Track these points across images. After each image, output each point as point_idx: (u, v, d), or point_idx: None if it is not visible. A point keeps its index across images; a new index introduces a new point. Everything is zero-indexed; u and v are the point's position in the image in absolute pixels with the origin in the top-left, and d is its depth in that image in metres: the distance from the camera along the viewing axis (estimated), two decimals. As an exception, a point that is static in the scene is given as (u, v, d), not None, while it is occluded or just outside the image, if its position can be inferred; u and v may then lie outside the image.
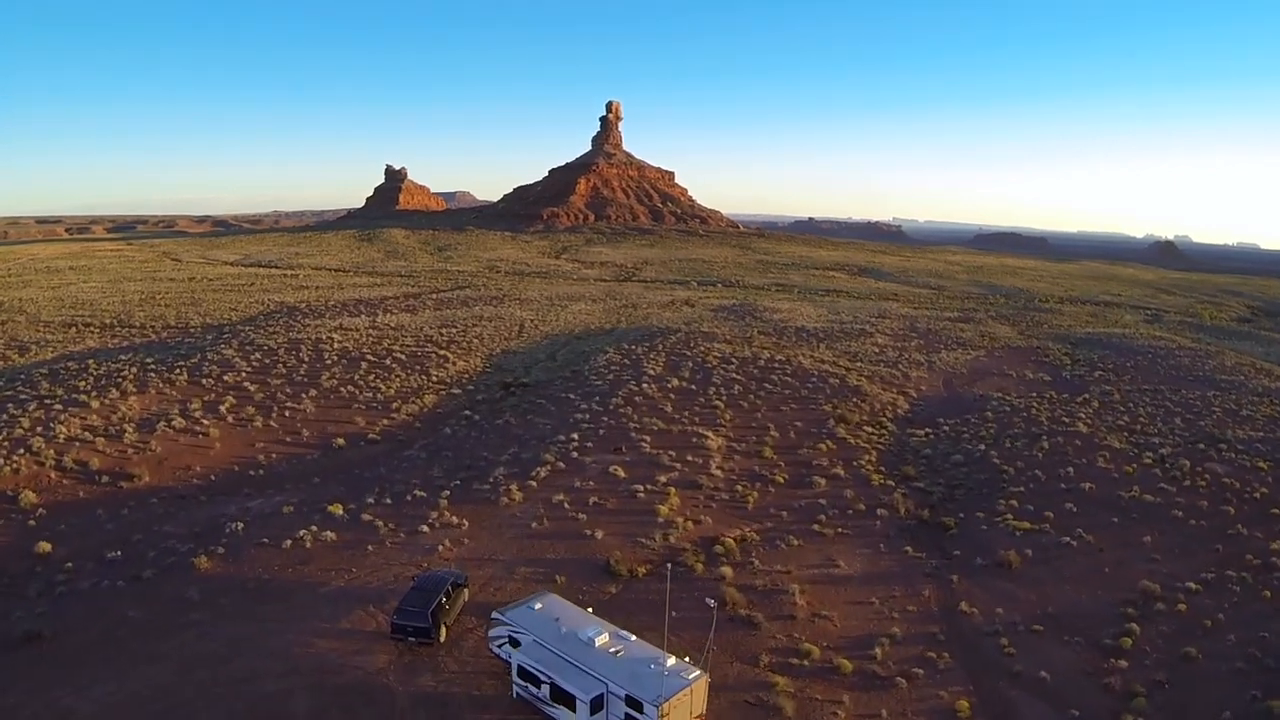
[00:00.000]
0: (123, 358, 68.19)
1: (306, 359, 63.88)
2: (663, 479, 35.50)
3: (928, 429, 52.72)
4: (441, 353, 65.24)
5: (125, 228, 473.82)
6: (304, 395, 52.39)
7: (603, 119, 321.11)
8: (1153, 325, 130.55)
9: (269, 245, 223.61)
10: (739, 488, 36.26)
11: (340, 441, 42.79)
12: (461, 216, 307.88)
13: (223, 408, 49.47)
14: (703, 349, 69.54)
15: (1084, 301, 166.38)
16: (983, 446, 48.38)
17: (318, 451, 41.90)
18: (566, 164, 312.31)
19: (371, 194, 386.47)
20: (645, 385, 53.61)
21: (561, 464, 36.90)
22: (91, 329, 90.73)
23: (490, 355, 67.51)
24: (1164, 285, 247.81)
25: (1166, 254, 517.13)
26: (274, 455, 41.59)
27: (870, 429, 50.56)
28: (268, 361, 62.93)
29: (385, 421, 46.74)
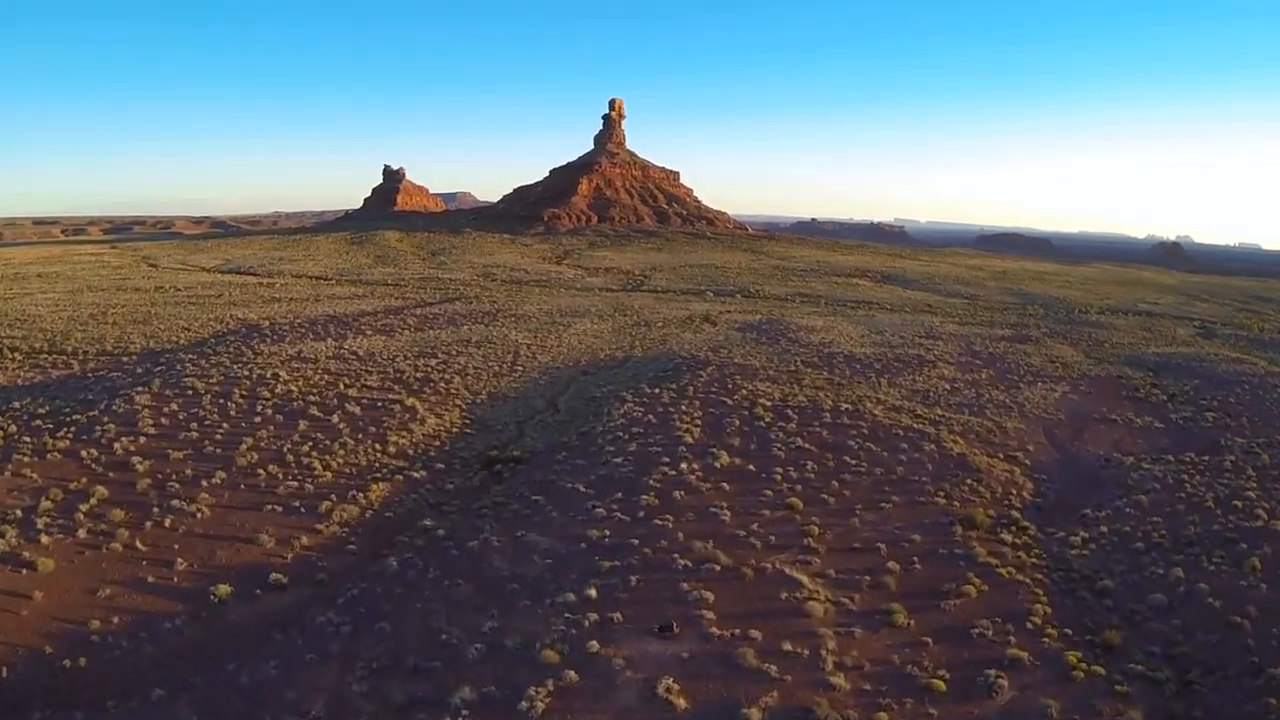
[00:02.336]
0: (15, 404, 52.23)
1: (234, 411, 47.88)
2: (755, 713, 19.40)
3: (1079, 530, 36.78)
4: (409, 402, 49.03)
5: (122, 229, 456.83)
6: (206, 482, 36.30)
7: (605, 117, 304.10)
8: (1213, 342, 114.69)
9: (255, 249, 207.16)
10: (883, 716, 20.22)
11: (223, 590, 26.56)
12: (459, 218, 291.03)
13: (83, 509, 33.42)
14: (745, 392, 53.47)
15: (1125, 311, 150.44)
16: (1178, 571, 32.35)
17: (185, 613, 25.69)
18: (568, 163, 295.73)
19: (369, 195, 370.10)
20: (684, 465, 37.56)
21: (573, 671, 20.67)
22: (15, 355, 74.66)
23: (472, 403, 51.32)
24: (1191, 291, 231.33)
25: (1172, 255, 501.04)
26: (115, 620, 25.47)
27: (1009, 536, 34.56)
28: (183, 417, 46.93)
29: (304, 540, 30.58)
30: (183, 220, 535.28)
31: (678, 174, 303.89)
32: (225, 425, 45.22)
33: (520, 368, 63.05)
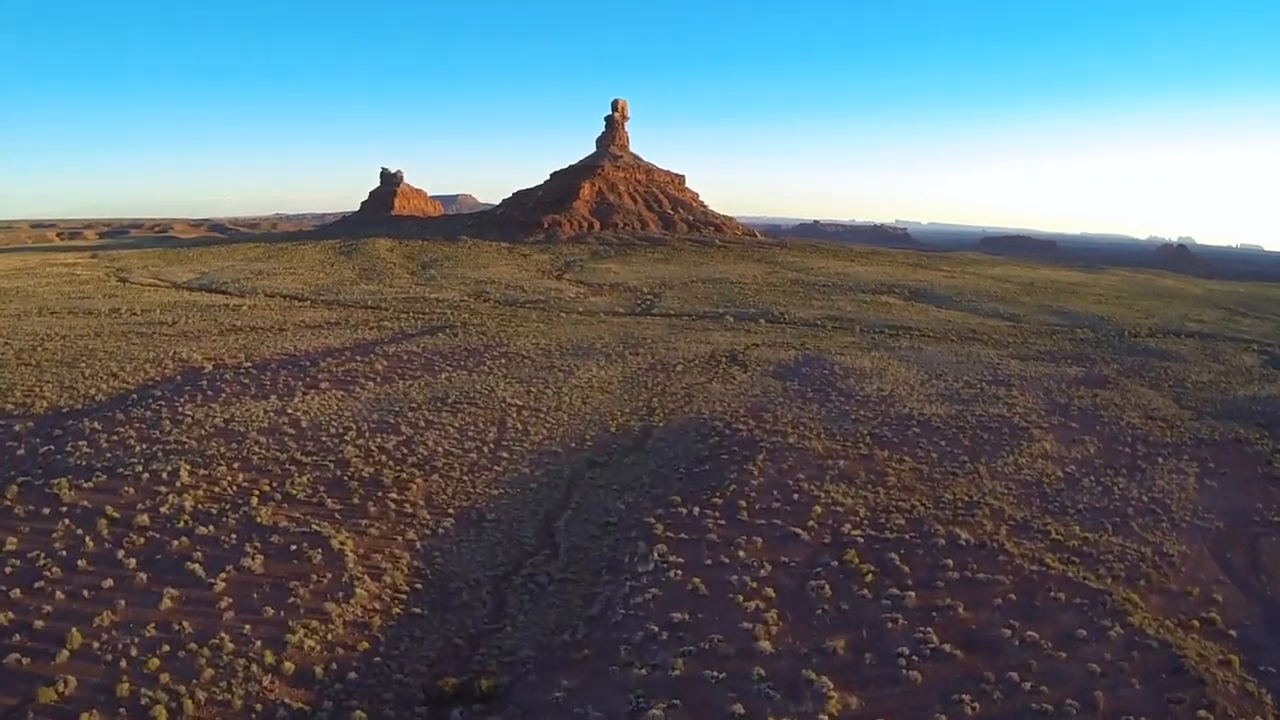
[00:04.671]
0: None
1: (87, 559, 32.16)
2: None
3: None
4: (338, 543, 33.03)
5: (119, 232, 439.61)
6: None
7: (608, 118, 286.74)
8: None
9: (236, 260, 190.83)
10: None
11: None
12: (456, 224, 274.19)
13: None
14: (819, 509, 37.60)
15: (1175, 333, 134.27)
16: None
17: None
18: (570, 166, 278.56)
19: (366, 198, 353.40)
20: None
21: None
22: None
23: (433, 536, 35.35)
24: (1223, 302, 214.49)
25: (1180, 258, 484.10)
26: None
27: None
28: (9, 571, 31.15)
29: None
30: (181, 223, 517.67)
31: (683, 178, 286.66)
32: (59, 592, 29.43)
33: (506, 453, 47.01)
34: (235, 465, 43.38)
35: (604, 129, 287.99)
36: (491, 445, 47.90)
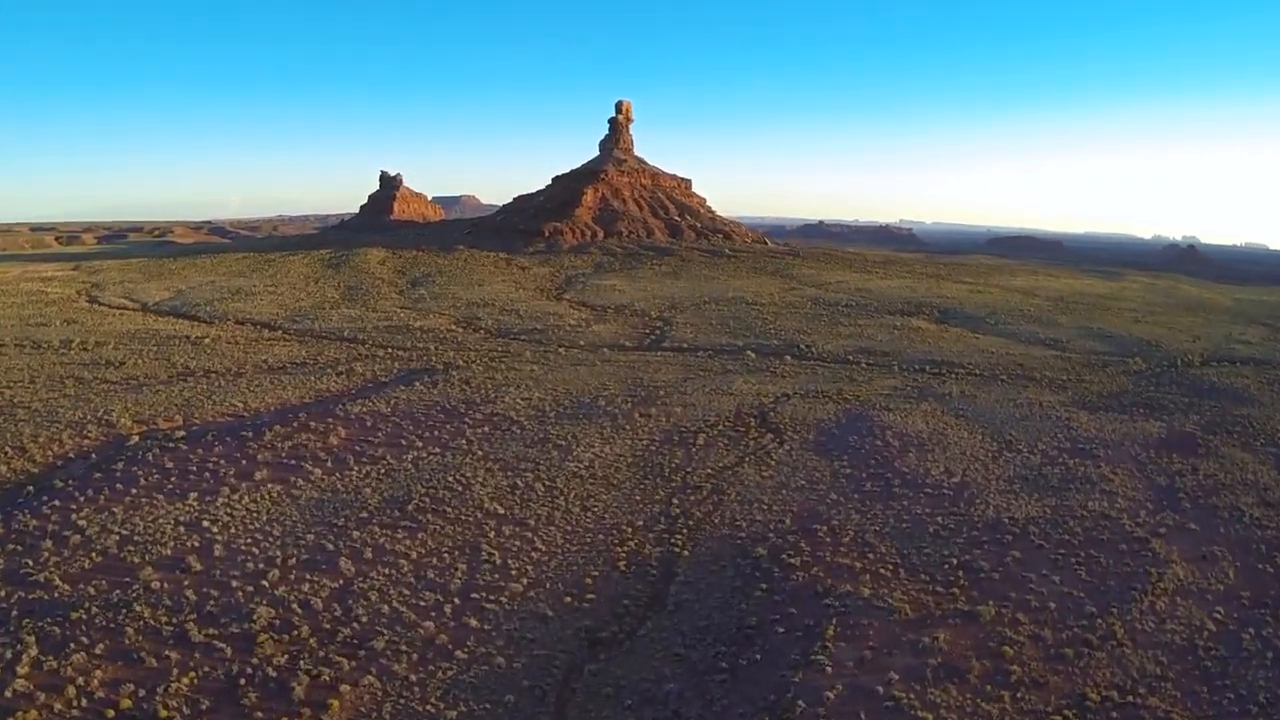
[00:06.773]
0: None
1: None
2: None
3: None
4: None
5: (118, 236, 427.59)
6: None
7: (612, 121, 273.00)
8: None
9: (219, 274, 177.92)
10: None
11: None
12: (453, 231, 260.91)
13: None
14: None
15: (1228, 360, 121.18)
16: None
17: None
18: (572, 171, 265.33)
19: (365, 202, 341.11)
20: None
21: None
22: None
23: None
24: (1259, 315, 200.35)
25: (1190, 259, 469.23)
26: None
27: None
28: None
29: None
30: (182, 227, 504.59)
31: (689, 182, 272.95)
32: None
33: (474, 618, 33.92)
34: (100, 647, 30.55)
35: (607, 131, 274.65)
36: (457, 600, 34.90)
